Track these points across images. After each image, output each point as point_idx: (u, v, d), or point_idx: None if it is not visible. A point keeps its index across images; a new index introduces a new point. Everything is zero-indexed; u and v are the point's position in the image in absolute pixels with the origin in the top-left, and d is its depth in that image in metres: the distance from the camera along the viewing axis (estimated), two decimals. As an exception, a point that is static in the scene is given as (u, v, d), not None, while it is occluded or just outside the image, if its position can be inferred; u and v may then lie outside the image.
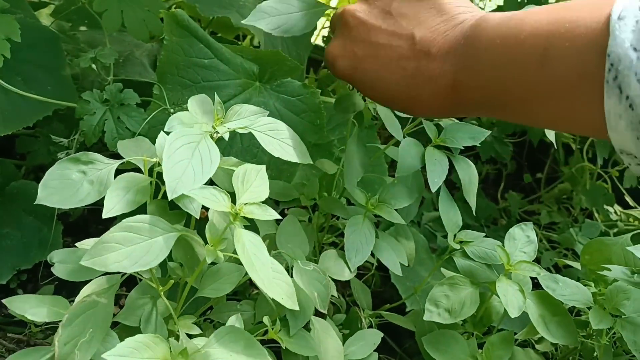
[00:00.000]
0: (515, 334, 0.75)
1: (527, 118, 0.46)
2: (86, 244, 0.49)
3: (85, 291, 0.47)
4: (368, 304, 0.72)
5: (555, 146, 1.37)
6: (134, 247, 0.40)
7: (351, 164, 0.63)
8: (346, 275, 0.57)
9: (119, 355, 0.38)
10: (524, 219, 1.27)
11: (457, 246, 0.68)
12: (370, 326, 0.70)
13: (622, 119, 0.37)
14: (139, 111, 0.70)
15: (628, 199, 1.27)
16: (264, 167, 0.47)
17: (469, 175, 0.64)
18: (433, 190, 0.62)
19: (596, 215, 1.20)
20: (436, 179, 0.61)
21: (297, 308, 0.44)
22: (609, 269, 0.59)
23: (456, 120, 0.70)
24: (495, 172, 1.39)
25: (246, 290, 0.77)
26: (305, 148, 0.51)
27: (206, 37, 0.74)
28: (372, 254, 1.02)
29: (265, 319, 0.49)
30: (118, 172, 0.47)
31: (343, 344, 0.61)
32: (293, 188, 0.66)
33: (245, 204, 0.43)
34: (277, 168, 0.76)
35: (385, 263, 0.67)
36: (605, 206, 1.17)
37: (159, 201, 0.47)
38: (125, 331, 0.47)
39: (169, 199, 0.39)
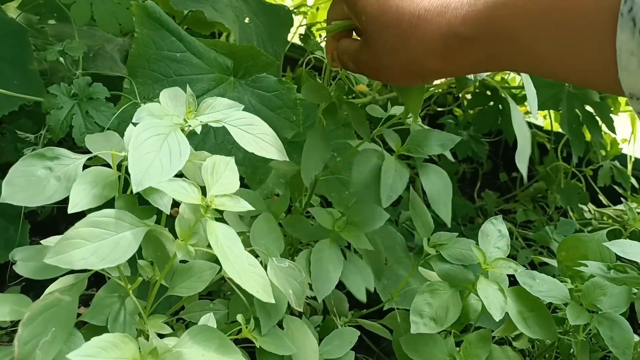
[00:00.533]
0: (492, 331, 0.75)
1: (532, 55, 0.43)
2: (51, 241, 0.47)
3: (49, 290, 0.45)
4: (344, 310, 0.71)
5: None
6: (101, 242, 0.39)
7: (309, 157, 0.61)
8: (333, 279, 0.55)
9: (84, 355, 0.37)
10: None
11: (432, 251, 0.67)
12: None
13: (634, 56, 0.35)
14: (108, 105, 0.68)
15: (602, 197, 1.29)
16: (232, 158, 0.45)
17: (437, 185, 0.63)
18: (384, 205, 0.60)
19: (571, 213, 1.21)
20: (391, 194, 0.60)
21: (272, 301, 0.43)
22: (586, 265, 0.59)
23: (425, 127, 0.69)
24: (471, 171, 1.40)
25: (220, 290, 0.75)
26: (281, 144, 0.50)
27: (178, 30, 0.72)
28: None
29: (239, 317, 0.48)
30: (87, 168, 0.46)
31: (319, 344, 0.60)
32: (262, 201, 0.64)
33: (216, 196, 0.41)
34: (251, 165, 0.74)
35: (350, 289, 0.65)
36: (579, 205, 1.18)
37: (127, 196, 0.45)
38: (91, 331, 0.45)
39: (134, 192, 0.37)
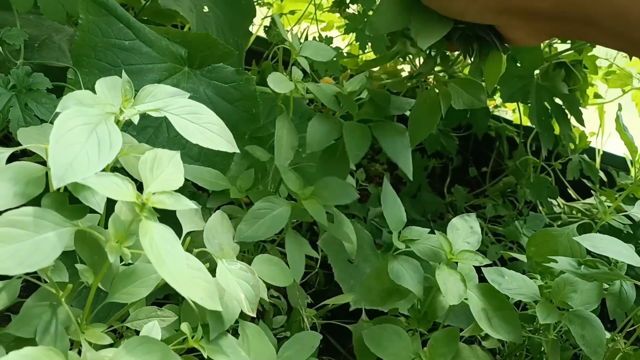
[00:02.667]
0: (462, 330, 0.72)
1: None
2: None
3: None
4: (304, 305, 0.67)
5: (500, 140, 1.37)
6: (19, 245, 0.34)
7: (280, 144, 0.58)
8: (281, 282, 0.52)
9: (0, 373, 0.32)
10: (470, 212, 1.26)
11: (402, 245, 0.64)
12: (313, 327, 0.66)
13: None
14: (50, 97, 0.63)
15: (571, 191, 1.28)
16: (178, 153, 0.41)
17: (396, 141, 0.61)
18: (353, 163, 0.59)
19: (540, 208, 1.20)
20: (357, 152, 0.58)
21: (219, 309, 0.39)
22: (556, 261, 0.57)
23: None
24: (441, 167, 1.38)
25: (179, 295, 0.71)
26: (231, 135, 0.46)
27: (127, 16, 0.67)
28: (317, 251, 0.98)
29: (184, 326, 0.43)
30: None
31: (280, 348, 0.57)
32: (224, 177, 0.61)
33: (154, 193, 0.37)
34: (208, 160, 0.70)
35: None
36: (549, 199, 1.17)
37: (56, 194, 0.40)
38: (18, 345, 0.40)
39: (54, 188, 0.33)
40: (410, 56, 1.42)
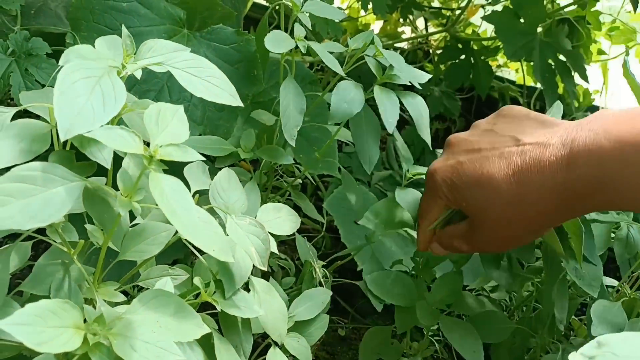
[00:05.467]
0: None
1: None
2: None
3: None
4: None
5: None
6: (29, 199, 0.34)
7: (288, 111, 0.58)
8: (288, 229, 0.52)
9: (18, 324, 0.32)
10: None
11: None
12: (325, 276, 0.66)
13: None
14: (50, 62, 0.62)
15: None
16: (180, 106, 0.41)
17: (419, 109, 0.60)
18: (390, 131, 0.57)
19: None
20: (390, 119, 0.57)
21: (231, 260, 0.39)
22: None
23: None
24: (444, 129, 1.37)
25: (187, 259, 0.71)
26: (234, 89, 0.45)
27: (124, -22, 0.66)
28: (322, 214, 0.98)
29: (196, 280, 0.44)
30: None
31: (291, 305, 0.57)
32: (226, 142, 0.61)
33: (161, 146, 0.37)
34: (212, 124, 0.70)
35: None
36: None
37: (63, 151, 0.40)
38: (33, 301, 0.40)
39: (61, 140, 0.33)
40: (411, 17, 1.40)
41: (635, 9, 0.97)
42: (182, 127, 0.40)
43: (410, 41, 1.40)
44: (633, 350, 0.29)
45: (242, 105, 0.46)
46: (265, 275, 0.77)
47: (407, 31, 1.45)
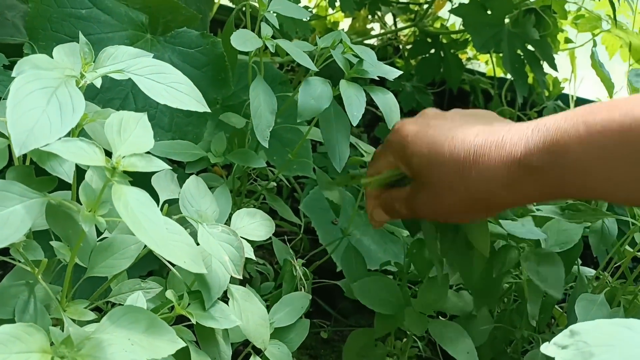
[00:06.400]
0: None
1: (607, 183, 0.45)
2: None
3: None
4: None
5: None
6: (-15, 220, 0.32)
7: (259, 112, 0.56)
8: (263, 234, 0.50)
9: (-22, 354, 0.31)
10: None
11: None
12: (305, 275, 0.65)
13: None
14: (6, 74, 0.60)
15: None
16: (145, 114, 0.39)
17: (389, 104, 0.60)
18: (354, 124, 0.57)
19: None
20: (355, 112, 0.56)
21: (204, 271, 0.38)
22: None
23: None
24: (418, 124, 1.37)
25: (162, 270, 0.70)
26: (200, 94, 0.44)
27: (81, -16, 0.64)
28: (300, 216, 0.97)
29: (169, 293, 0.42)
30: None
31: (270, 311, 0.56)
32: (196, 146, 0.59)
33: (124, 156, 0.35)
34: (180, 130, 0.68)
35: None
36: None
37: (21, 167, 0.39)
38: (-3, 327, 0.38)
39: (17, 155, 0.31)
40: (379, 13, 1.40)
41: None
42: (146, 135, 0.39)
43: (380, 37, 1.39)
44: (604, 338, 0.28)
45: (209, 110, 0.44)
46: (243, 282, 0.76)
47: (376, 27, 1.45)
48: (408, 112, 1.29)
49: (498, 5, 0.98)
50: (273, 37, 0.63)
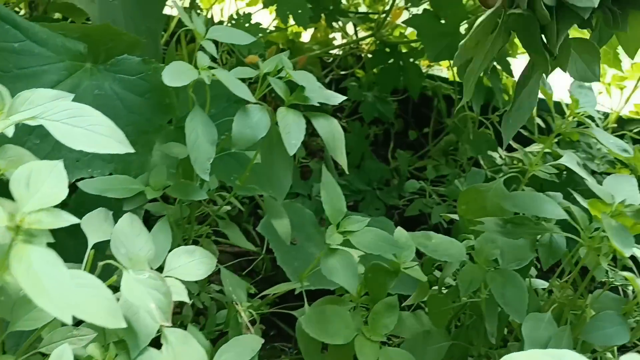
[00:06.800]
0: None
1: None
2: None
3: None
4: (243, 297, 0.65)
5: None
6: None
7: (197, 144, 0.55)
8: (201, 273, 0.49)
9: None
10: (414, 175, 1.26)
11: (339, 239, 0.60)
12: (253, 320, 0.64)
13: None
14: None
15: (511, 142, 1.29)
16: (60, 162, 0.38)
17: (331, 131, 0.59)
18: (291, 153, 0.55)
19: (482, 162, 1.21)
20: (293, 141, 0.55)
21: (123, 325, 0.37)
22: (482, 222, 0.56)
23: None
24: (383, 133, 1.37)
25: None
26: (122, 134, 0.43)
27: (11, 16, 0.62)
28: (260, 237, 0.96)
29: (91, 348, 0.41)
30: None
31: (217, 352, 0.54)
32: (135, 180, 0.58)
33: (30, 212, 0.34)
34: (123, 160, 0.66)
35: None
36: (489, 152, 1.17)
37: None
38: None
39: None
40: (340, 23, 1.39)
41: (550, 2, 0.98)
42: (59, 185, 0.37)
43: (342, 47, 1.39)
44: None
45: (132, 150, 0.43)
46: (198, 312, 0.75)
47: (339, 37, 1.44)
48: (371, 121, 1.29)
49: (452, 14, 0.97)
50: (223, 58, 0.62)
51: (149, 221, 0.61)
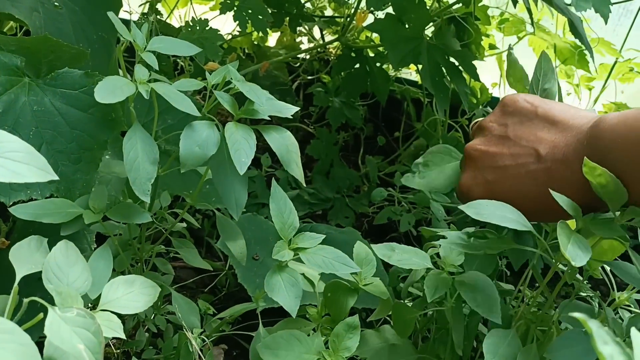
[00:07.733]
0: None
1: None
2: None
3: None
4: (196, 323, 0.62)
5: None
6: None
7: (136, 164, 0.52)
8: (141, 305, 0.46)
9: None
10: (384, 181, 1.23)
11: (289, 255, 0.57)
12: (207, 345, 0.61)
13: None
14: None
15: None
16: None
17: (285, 145, 0.56)
18: (241, 172, 0.52)
19: (452, 166, 1.19)
20: (243, 159, 0.52)
21: (42, 375, 0.33)
22: (445, 236, 0.54)
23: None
24: (353, 138, 1.34)
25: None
26: (44, 160, 0.39)
27: (-62, 31, 0.58)
28: (222, 252, 0.92)
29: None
30: None
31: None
32: (73, 204, 0.54)
33: None
34: (66, 180, 0.62)
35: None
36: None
37: None
38: None
39: None
40: (306, 27, 1.37)
41: (515, 4, 0.97)
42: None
43: (309, 52, 1.36)
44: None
45: (55, 178, 0.39)
46: (155, 335, 0.71)
47: (305, 41, 1.42)
48: (340, 127, 1.26)
49: (415, 18, 0.95)
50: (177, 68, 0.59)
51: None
